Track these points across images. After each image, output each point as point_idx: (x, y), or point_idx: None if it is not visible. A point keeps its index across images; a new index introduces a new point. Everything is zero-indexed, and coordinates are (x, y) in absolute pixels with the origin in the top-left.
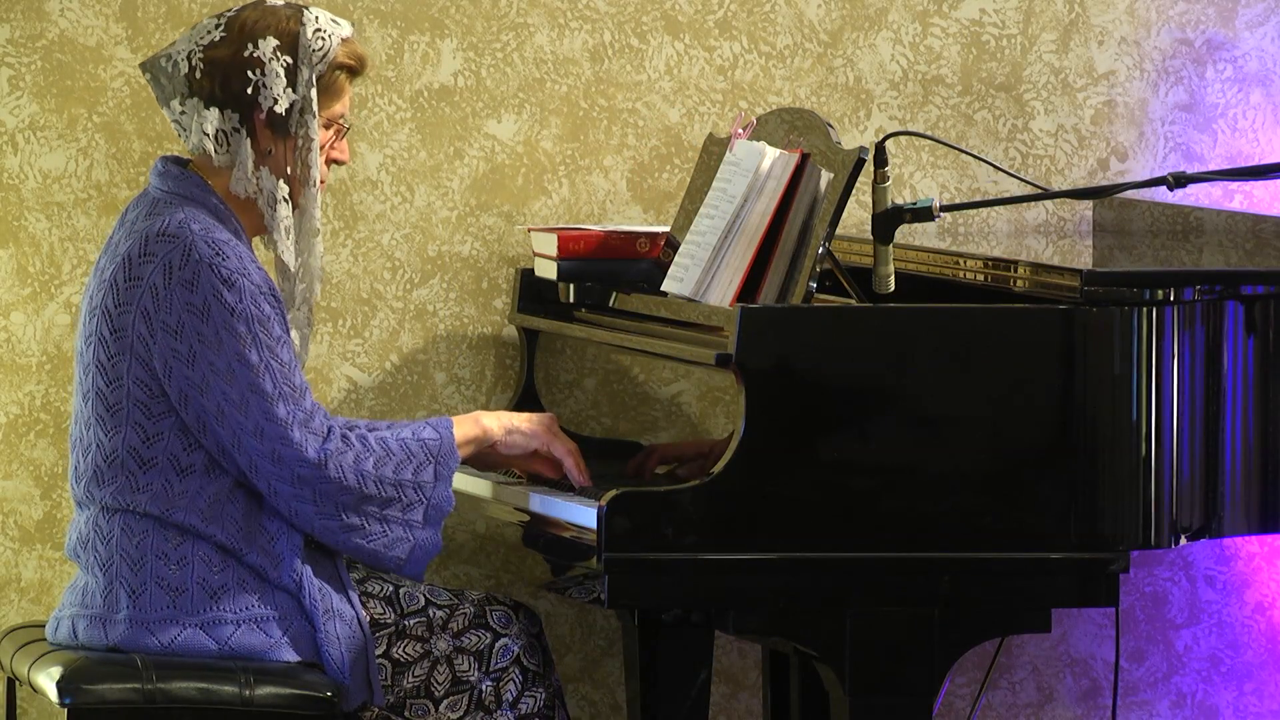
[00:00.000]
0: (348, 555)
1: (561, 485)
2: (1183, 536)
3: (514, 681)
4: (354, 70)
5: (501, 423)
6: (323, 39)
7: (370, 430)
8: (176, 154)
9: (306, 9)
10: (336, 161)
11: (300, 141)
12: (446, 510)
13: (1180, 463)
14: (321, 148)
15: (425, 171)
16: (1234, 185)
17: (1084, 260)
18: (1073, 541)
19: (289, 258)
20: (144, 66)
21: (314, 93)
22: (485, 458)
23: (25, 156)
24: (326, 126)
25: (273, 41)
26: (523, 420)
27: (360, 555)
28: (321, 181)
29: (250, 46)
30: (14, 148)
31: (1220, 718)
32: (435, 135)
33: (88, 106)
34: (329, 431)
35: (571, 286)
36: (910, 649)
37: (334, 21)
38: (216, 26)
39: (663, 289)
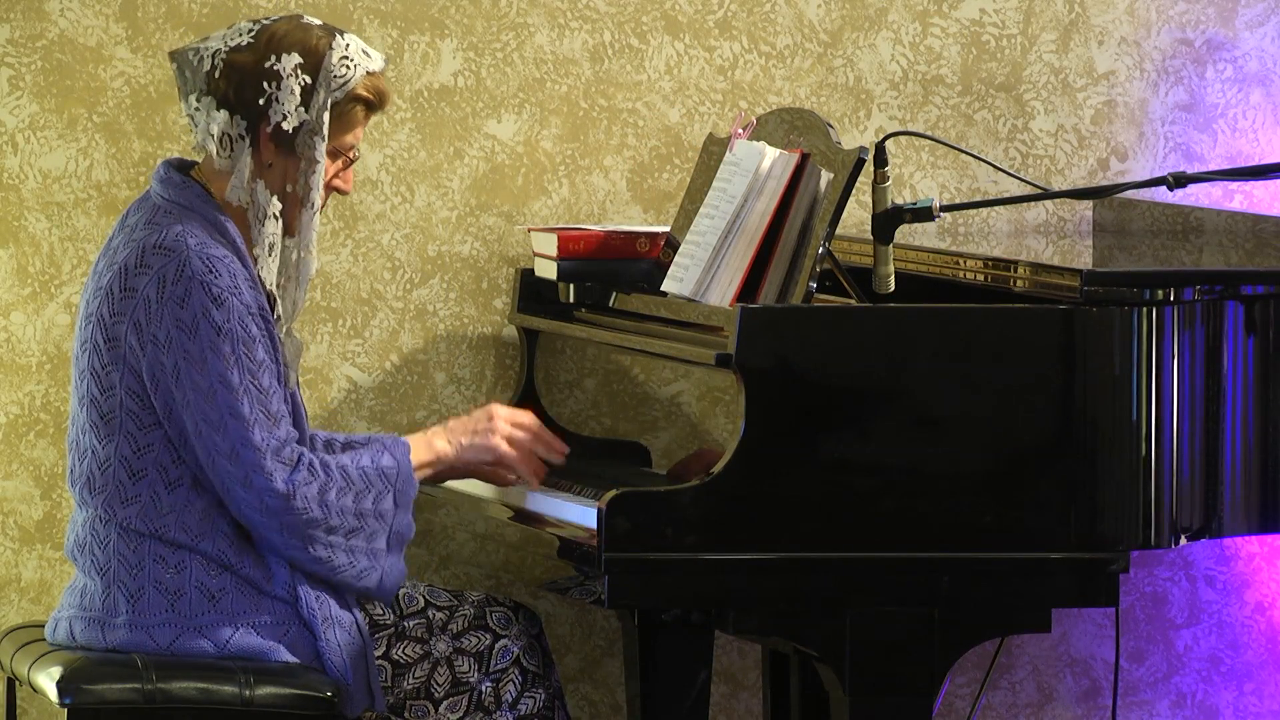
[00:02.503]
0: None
1: (553, 483)
2: (1183, 536)
3: (514, 682)
4: (372, 105)
5: (452, 442)
6: (348, 67)
7: (338, 451)
8: (180, 156)
9: (341, 34)
10: (338, 190)
11: (304, 163)
12: (408, 537)
13: (1180, 463)
14: (325, 174)
15: (425, 171)
16: (1234, 185)
17: (1084, 260)
18: (1073, 541)
19: (268, 275)
20: (173, 55)
21: (326, 117)
22: (455, 473)
23: (25, 156)
24: (334, 155)
25: (296, 58)
26: (466, 434)
27: (331, 582)
28: (319, 206)
29: (273, 58)
30: (14, 148)
31: (1220, 718)
32: (435, 135)
33: (88, 106)
34: (298, 461)
35: (571, 286)
36: (910, 649)
37: (365, 53)
38: (249, 31)
39: (663, 289)
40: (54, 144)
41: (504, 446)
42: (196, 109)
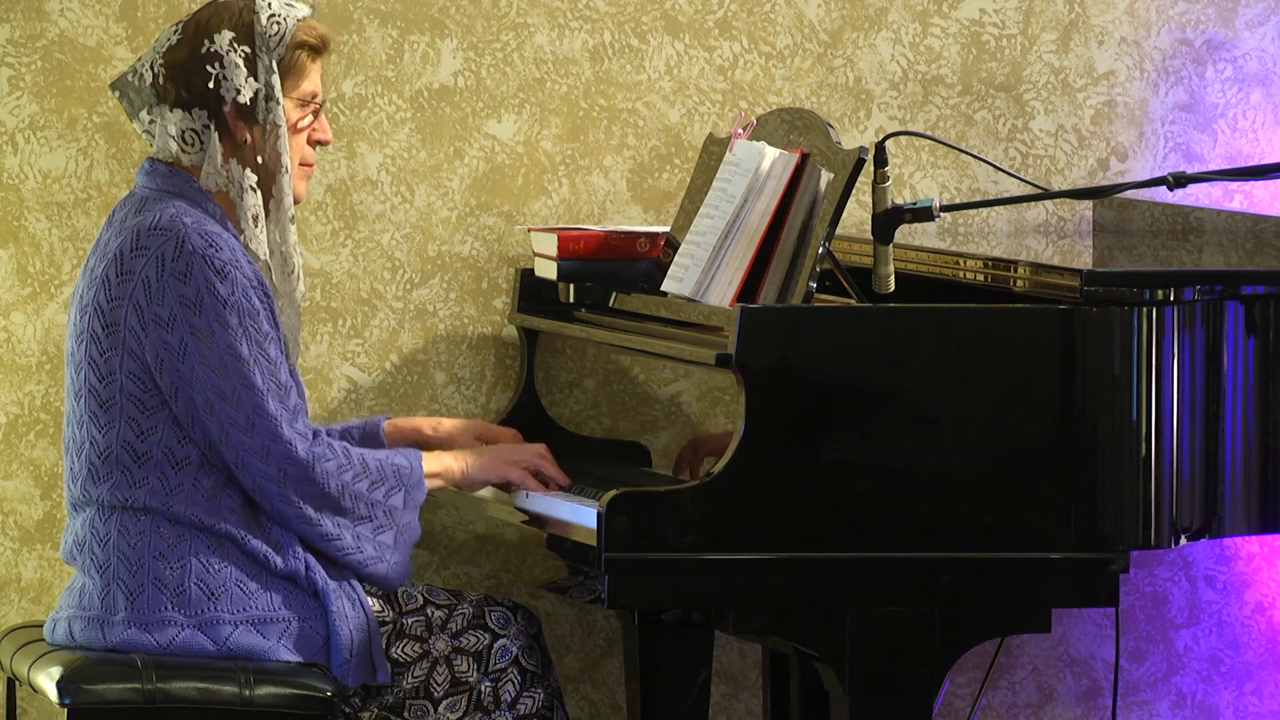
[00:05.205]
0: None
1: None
2: (1183, 536)
3: (512, 682)
4: (315, 48)
5: (460, 464)
6: (278, 23)
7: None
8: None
9: None
10: (320, 142)
11: (268, 129)
12: (413, 539)
13: (1180, 463)
14: (299, 129)
15: (425, 171)
16: (1234, 185)
17: (1084, 260)
18: (1072, 541)
19: (258, 246)
20: (113, 86)
21: (275, 79)
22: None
23: (25, 156)
24: (302, 106)
25: (228, 34)
26: (474, 463)
27: (338, 561)
28: (308, 164)
29: (206, 42)
30: (14, 148)
31: (1220, 718)
32: (435, 135)
33: (88, 106)
34: (315, 434)
35: (571, 286)
36: (910, 649)
37: (288, 5)
38: (174, 31)
39: (663, 289)
40: (54, 144)
41: (512, 471)
42: (152, 121)
